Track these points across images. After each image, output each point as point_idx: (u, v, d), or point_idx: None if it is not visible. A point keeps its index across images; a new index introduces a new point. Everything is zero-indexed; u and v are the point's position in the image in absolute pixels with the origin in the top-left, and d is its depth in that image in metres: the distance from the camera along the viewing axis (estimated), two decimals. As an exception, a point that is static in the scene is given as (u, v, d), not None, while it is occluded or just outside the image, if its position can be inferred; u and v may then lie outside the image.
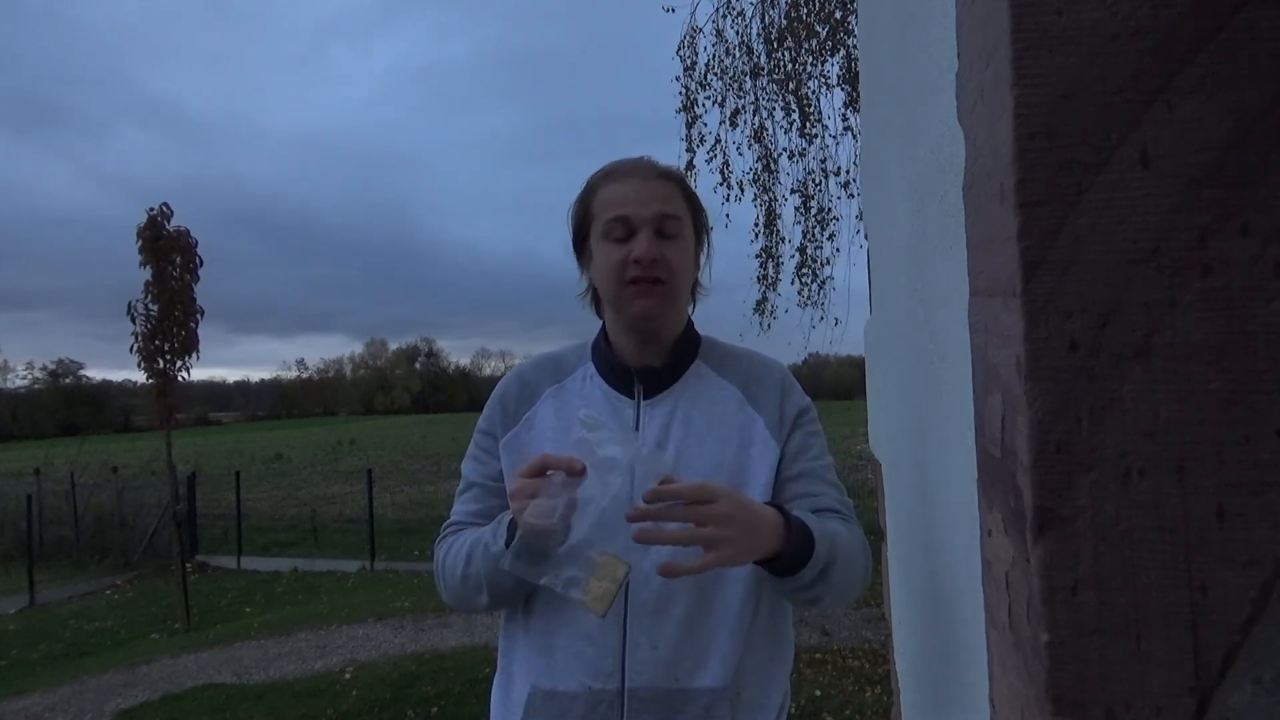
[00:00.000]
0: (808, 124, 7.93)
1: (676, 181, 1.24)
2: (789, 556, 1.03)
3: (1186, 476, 0.44)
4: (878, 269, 2.37)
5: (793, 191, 8.16)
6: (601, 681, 1.12)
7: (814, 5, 7.48)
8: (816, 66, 7.74)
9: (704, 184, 8.02)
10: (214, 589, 9.66)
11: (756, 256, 8.42)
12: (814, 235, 8.18)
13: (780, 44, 7.76)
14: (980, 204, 0.57)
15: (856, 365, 5.44)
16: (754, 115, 8.00)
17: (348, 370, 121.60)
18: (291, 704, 4.92)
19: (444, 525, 1.27)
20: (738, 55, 7.91)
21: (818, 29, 7.50)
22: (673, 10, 7.82)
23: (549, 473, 1.01)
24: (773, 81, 7.88)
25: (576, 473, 0.99)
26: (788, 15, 7.64)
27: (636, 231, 1.17)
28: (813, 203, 8.09)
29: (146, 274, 7.86)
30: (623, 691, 1.12)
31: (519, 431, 1.23)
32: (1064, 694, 0.45)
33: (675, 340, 1.25)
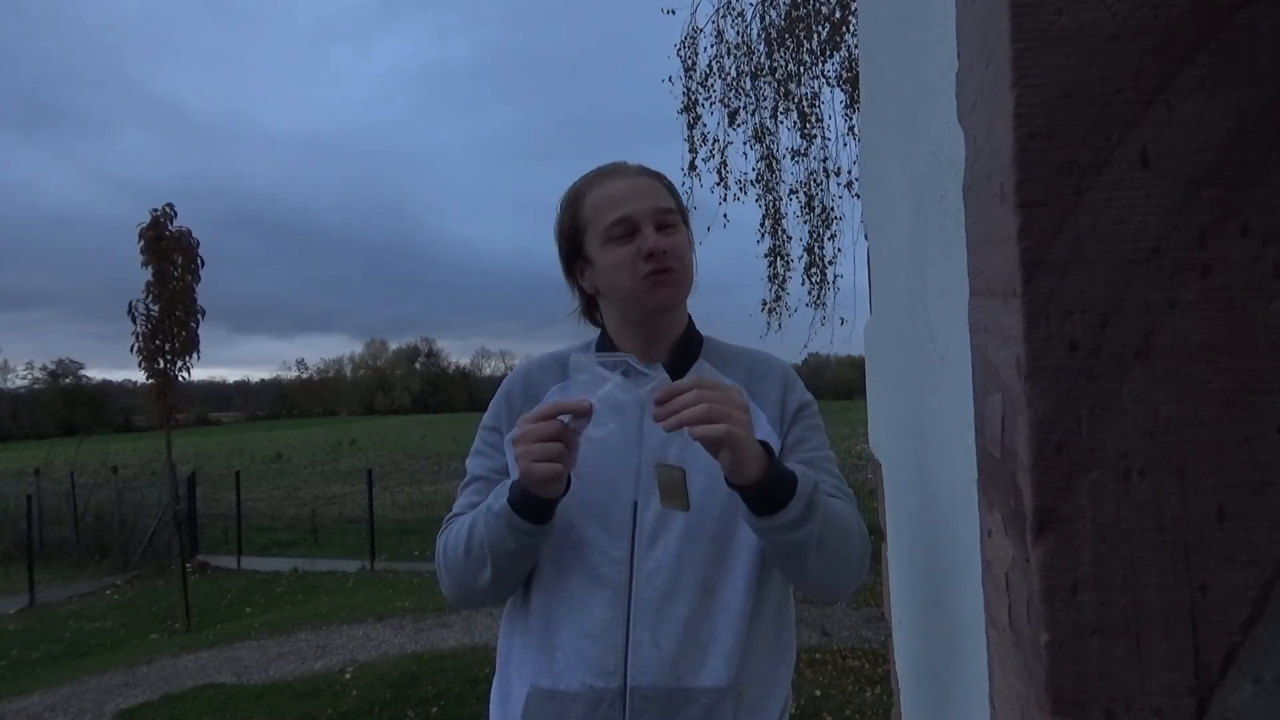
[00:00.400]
0: (808, 124, 7.94)
1: (658, 177, 1.27)
2: (770, 483, 1.03)
3: (1186, 476, 0.44)
4: (878, 269, 2.37)
5: (792, 192, 8.17)
6: (603, 680, 1.12)
7: (814, 5, 7.48)
8: (817, 66, 7.75)
9: (706, 184, 8.04)
10: (214, 589, 9.66)
11: (765, 256, 8.44)
12: (819, 235, 8.20)
13: (780, 44, 7.76)
14: (980, 204, 0.57)
15: (856, 365, 5.44)
16: (754, 115, 8.01)
17: (348, 370, 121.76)
18: (291, 704, 4.92)
19: (446, 518, 1.28)
20: (738, 56, 7.92)
21: (817, 29, 7.50)
22: (673, 12, 7.83)
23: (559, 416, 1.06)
24: (773, 81, 7.88)
25: (585, 412, 1.04)
26: (787, 15, 7.65)
27: (639, 228, 1.18)
28: (815, 202, 8.10)
29: (147, 274, 7.86)
30: (625, 690, 1.12)
31: None
32: (1064, 694, 0.45)
33: (678, 339, 1.26)
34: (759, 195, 8.20)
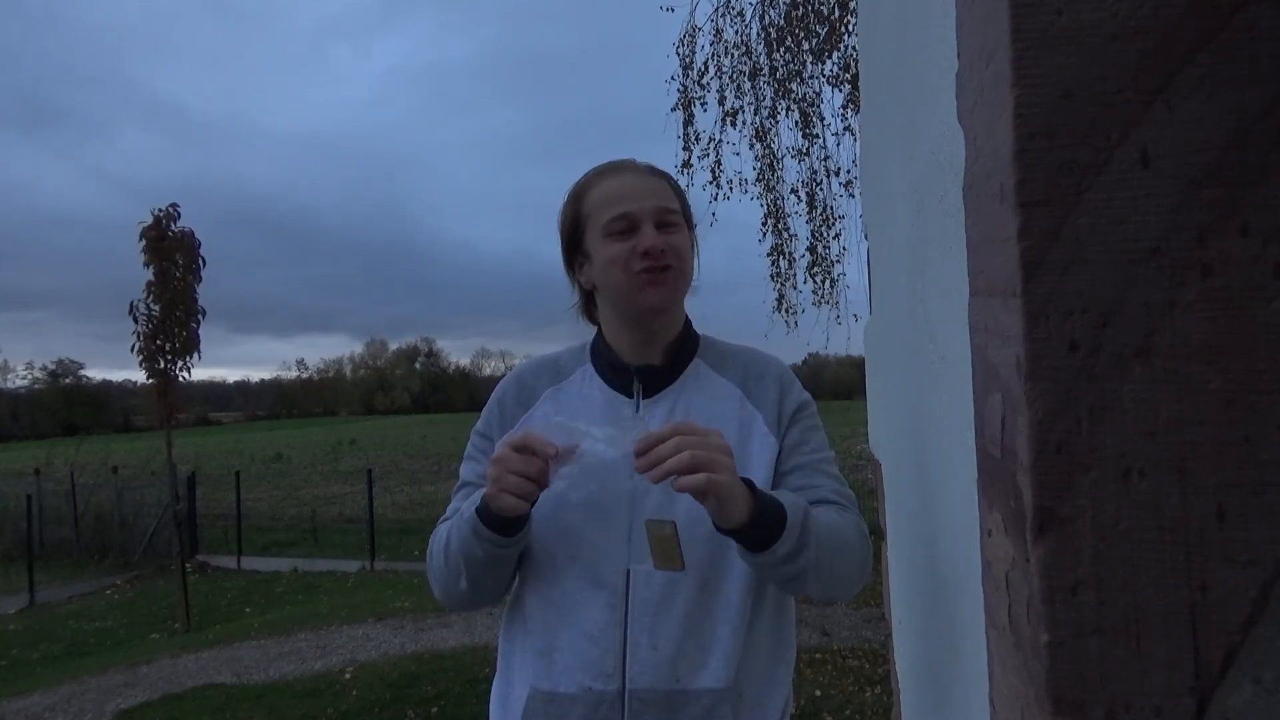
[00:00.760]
0: (808, 124, 7.94)
1: (665, 177, 1.26)
2: (756, 523, 1.01)
3: (1186, 476, 0.44)
4: (878, 269, 2.37)
5: (792, 191, 8.17)
6: (602, 682, 1.12)
7: (813, 5, 7.48)
8: (816, 66, 7.75)
9: (700, 182, 8.04)
10: (214, 589, 9.65)
11: (768, 255, 8.43)
12: (821, 234, 8.20)
13: (780, 44, 7.76)
14: (980, 204, 0.57)
15: (856, 365, 5.44)
16: (754, 115, 8.01)
17: (348, 370, 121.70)
18: (291, 704, 4.92)
19: (438, 522, 1.28)
20: (737, 55, 7.91)
21: (817, 29, 7.50)
22: (672, 10, 7.83)
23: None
24: (773, 81, 7.88)
25: (550, 458, 1.04)
26: (787, 15, 7.65)
27: (639, 225, 1.17)
28: (817, 202, 8.10)
29: (148, 274, 7.86)
30: (623, 692, 1.12)
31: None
32: (1064, 694, 0.45)
33: (674, 339, 1.25)
34: (760, 194, 8.20)
